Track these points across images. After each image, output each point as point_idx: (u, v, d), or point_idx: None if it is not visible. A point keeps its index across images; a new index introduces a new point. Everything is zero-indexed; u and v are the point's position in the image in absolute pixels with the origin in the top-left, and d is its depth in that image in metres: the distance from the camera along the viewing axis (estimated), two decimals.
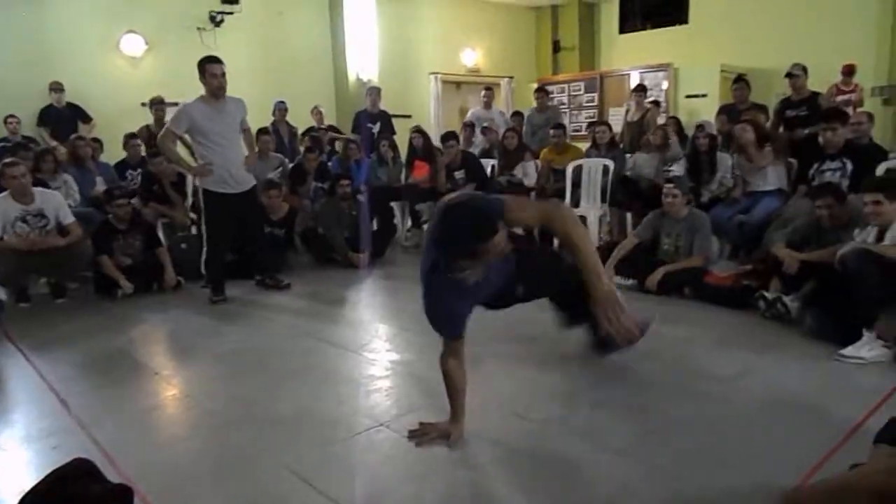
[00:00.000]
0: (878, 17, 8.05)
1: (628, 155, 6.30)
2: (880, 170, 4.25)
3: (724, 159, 5.14)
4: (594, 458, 2.22)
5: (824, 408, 2.55)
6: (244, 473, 2.17)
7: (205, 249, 4.65)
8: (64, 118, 6.85)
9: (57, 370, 3.25)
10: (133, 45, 7.63)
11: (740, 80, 6.20)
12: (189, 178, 6.17)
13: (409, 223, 6.87)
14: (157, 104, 6.59)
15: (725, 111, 6.13)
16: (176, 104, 6.95)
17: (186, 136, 4.64)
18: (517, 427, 2.49)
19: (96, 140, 6.41)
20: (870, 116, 5.17)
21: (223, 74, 4.29)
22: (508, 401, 2.74)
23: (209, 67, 4.25)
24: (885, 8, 8.00)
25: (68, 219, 4.64)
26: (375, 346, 3.58)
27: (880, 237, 3.23)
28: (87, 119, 7.07)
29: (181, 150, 6.78)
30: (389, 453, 2.32)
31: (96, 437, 2.45)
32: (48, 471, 1.56)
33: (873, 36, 8.07)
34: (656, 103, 7.87)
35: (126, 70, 7.67)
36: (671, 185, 4.48)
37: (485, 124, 7.53)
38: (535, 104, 7.72)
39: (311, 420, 2.59)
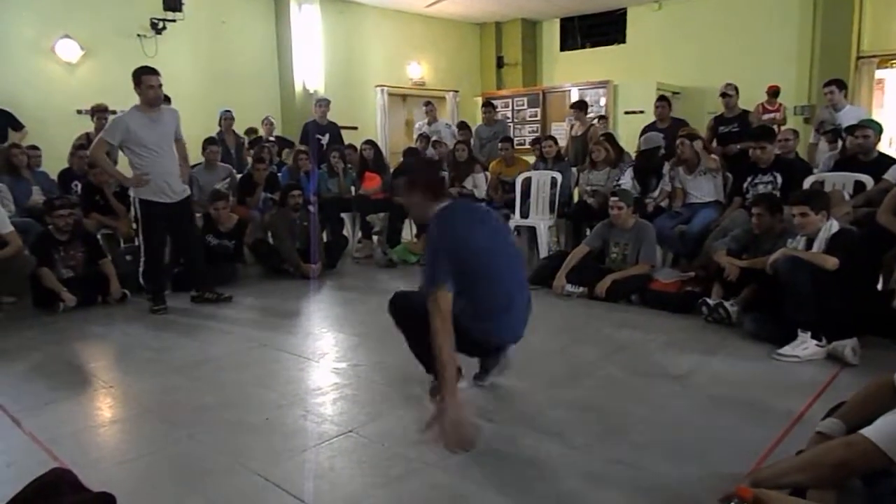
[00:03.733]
0: (799, 44, 8.68)
1: (574, 168, 6.53)
2: (807, 183, 4.59)
3: (665, 167, 5.40)
4: (559, 454, 2.31)
5: (767, 402, 2.74)
6: (217, 482, 2.16)
7: (142, 260, 4.57)
8: None
9: (1, 387, 3.12)
10: (68, 50, 7.34)
11: (662, 100, 6.56)
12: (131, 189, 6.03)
13: (360, 234, 6.88)
14: (100, 112, 6.36)
15: (648, 129, 6.43)
16: (116, 112, 6.86)
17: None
18: (485, 429, 2.55)
19: (35, 148, 6.13)
20: (795, 133, 5.56)
21: (160, 85, 4.34)
22: (473, 404, 2.80)
23: (145, 78, 4.29)
24: (804, 35, 8.63)
25: (6, 229, 4.43)
26: (336, 355, 3.59)
27: (809, 246, 3.49)
28: (17, 126, 6.74)
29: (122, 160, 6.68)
30: (361, 458, 2.35)
31: (54, 452, 2.38)
32: (4, 489, 1.52)
33: (795, 60, 8.69)
34: (603, 118, 8.13)
35: (61, 76, 7.36)
36: (616, 199, 4.68)
37: (434, 137, 7.64)
38: (480, 118, 7.88)
39: (279, 429, 2.59)
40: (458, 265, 2.42)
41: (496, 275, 2.59)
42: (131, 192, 4.48)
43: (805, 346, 3.23)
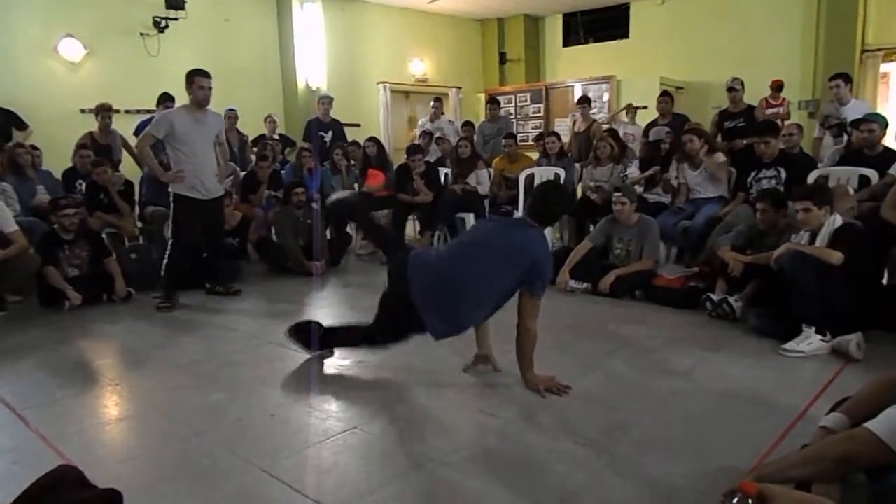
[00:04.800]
0: (803, 38, 8.63)
1: (577, 164, 6.52)
2: (811, 177, 4.57)
3: (674, 164, 5.40)
4: (563, 450, 2.32)
5: (771, 398, 2.73)
6: (222, 479, 2.17)
7: (168, 252, 4.65)
8: None
9: (7, 385, 3.13)
10: (71, 49, 7.35)
11: (665, 95, 6.56)
12: (137, 187, 6.07)
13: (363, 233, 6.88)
14: (104, 111, 6.38)
15: (651, 126, 6.44)
16: (120, 111, 6.90)
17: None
18: (488, 425, 2.57)
19: (35, 147, 6.15)
20: (799, 128, 5.54)
21: (210, 88, 4.54)
22: (475, 400, 2.82)
23: (197, 79, 4.50)
24: (808, 29, 8.59)
25: (11, 228, 4.45)
26: (339, 351, 3.58)
27: (813, 240, 3.48)
28: (22, 126, 6.76)
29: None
30: (366, 455, 2.36)
31: (61, 450, 2.39)
32: (11, 486, 1.53)
33: (799, 54, 8.65)
34: (633, 108, 8.07)
35: (64, 75, 7.38)
36: (619, 194, 4.68)
37: (437, 134, 7.64)
38: (484, 114, 7.87)
39: (284, 426, 2.61)
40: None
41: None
42: (171, 188, 4.62)
43: (809, 341, 3.23)
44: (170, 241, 4.68)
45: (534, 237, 2.87)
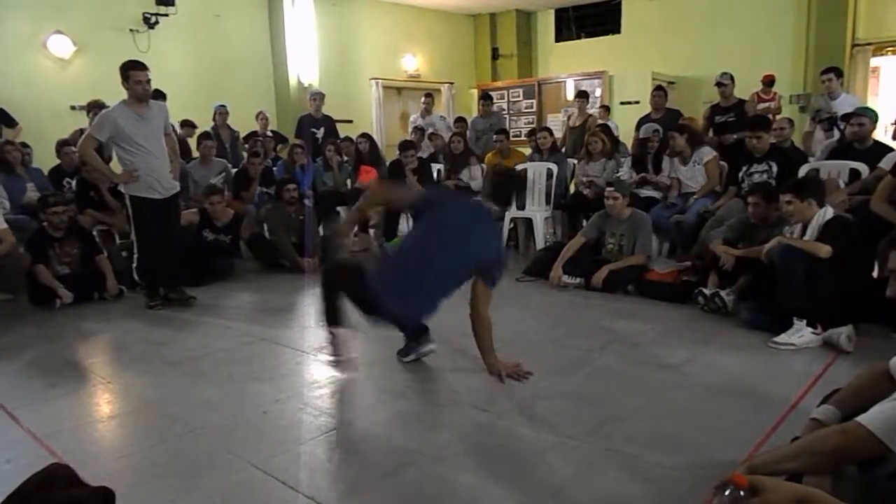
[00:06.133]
0: (795, 32, 8.67)
1: (571, 160, 6.53)
2: (802, 171, 4.59)
3: (666, 160, 5.41)
4: (555, 444, 2.32)
5: (763, 390, 2.75)
6: (216, 475, 2.16)
7: (136, 256, 4.55)
8: None
9: None
10: (61, 45, 7.30)
11: (659, 90, 6.58)
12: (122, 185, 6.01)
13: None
14: (96, 108, 6.31)
15: (644, 121, 6.47)
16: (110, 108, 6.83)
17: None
18: (481, 420, 2.57)
19: (25, 145, 6.10)
20: (790, 122, 5.57)
21: (148, 80, 4.29)
22: (468, 395, 2.82)
23: (132, 73, 4.23)
24: (799, 24, 8.63)
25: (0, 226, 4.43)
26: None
27: (803, 234, 3.49)
28: (11, 123, 6.70)
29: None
30: (360, 451, 2.36)
31: (53, 448, 2.38)
32: (2, 486, 1.53)
33: (790, 49, 8.69)
34: (605, 107, 8.11)
35: (54, 72, 7.33)
36: (612, 189, 4.69)
37: (430, 130, 7.63)
38: (476, 110, 7.86)
39: (277, 422, 2.60)
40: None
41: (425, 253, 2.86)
42: (122, 188, 4.46)
43: (801, 333, 3.25)
44: (135, 246, 4.51)
45: None
